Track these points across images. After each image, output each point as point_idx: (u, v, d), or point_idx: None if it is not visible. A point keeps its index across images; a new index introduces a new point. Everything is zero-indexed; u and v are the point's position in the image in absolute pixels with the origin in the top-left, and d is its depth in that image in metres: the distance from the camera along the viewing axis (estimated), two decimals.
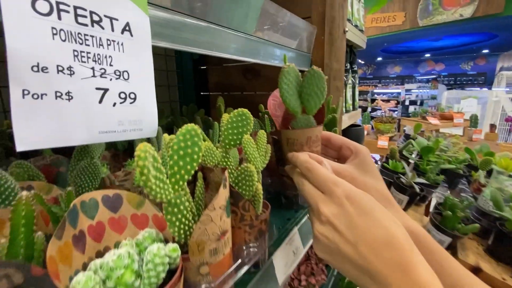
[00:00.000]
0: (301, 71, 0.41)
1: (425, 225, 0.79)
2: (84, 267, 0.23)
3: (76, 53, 0.28)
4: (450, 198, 0.73)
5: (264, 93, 1.05)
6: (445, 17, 4.70)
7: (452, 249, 0.70)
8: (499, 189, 0.73)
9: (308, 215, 0.38)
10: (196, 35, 0.41)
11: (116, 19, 0.31)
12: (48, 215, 0.31)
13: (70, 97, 0.28)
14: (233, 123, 0.35)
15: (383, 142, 2.65)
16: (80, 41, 0.28)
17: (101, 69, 0.30)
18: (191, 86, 1.27)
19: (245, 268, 0.35)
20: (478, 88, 7.56)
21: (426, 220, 0.83)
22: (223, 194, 0.26)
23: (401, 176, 0.93)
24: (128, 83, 0.33)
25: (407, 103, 7.79)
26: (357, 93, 1.38)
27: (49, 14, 0.26)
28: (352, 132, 1.28)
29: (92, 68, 0.29)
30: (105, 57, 0.30)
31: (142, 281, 0.21)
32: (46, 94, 0.26)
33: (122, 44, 0.32)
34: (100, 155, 0.46)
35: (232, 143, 0.35)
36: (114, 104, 0.32)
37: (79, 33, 0.28)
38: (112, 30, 0.31)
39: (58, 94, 0.27)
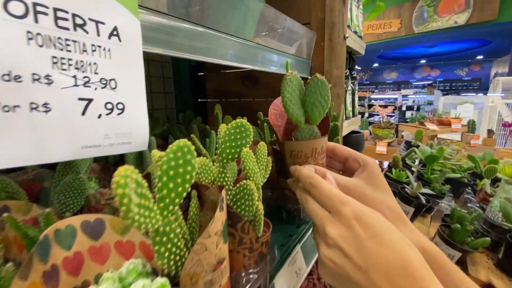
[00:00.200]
0: (302, 79, 0.39)
1: (431, 237, 0.76)
2: None
3: (55, 60, 0.25)
4: (458, 210, 0.70)
5: (263, 100, 1.02)
6: (440, 24, 4.77)
7: (462, 263, 0.67)
8: (508, 199, 0.71)
9: (312, 234, 0.35)
10: (192, 40, 0.38)
11: (103, 23, 0.28)
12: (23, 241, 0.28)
13: (48, 109, 0.25)
14: (231, 135, 0.32)
15: (381, 147, 2.65)
16: (61, 47, 0.25)
17: (84, 77, 0.27)
18: (189, 92, 1.24)
19: None
20: (474, 94, 7.64)
21: (432, 232, 0.80)
22: (220, 218, 0.23)
23: (406, 186, 0.90)
24: (115, 93, 0.30)
25: (404, 108, 7.83)
26: (356, 99, 1.37)
27: (24, 16, 0.23)
28: (353, 139, 1.26)
29: (74, 77, 0.26)
30: (89, 64, 0.27)
31: None
32: (19, 106, 0.23)
33: (109, 50, 0.29)
34: (87, 169, 0.43)
35: (230, 157, 0.32)
36: (99, 116, 0.29)
37: (59, 38, 0.25)
38: (98, 34, 0.28)
39: (34, 106, 0.24)
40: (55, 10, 0.25)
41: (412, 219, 0.86)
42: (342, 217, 0.29)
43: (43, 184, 0.44)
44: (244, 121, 0.32)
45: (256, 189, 0.31)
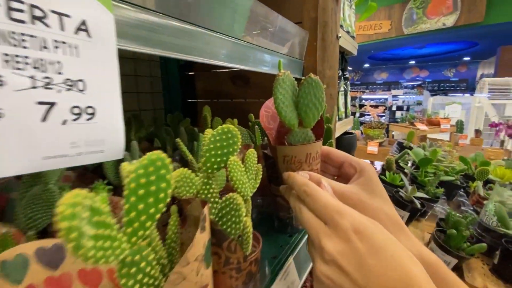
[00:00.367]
0: (295, 79, 0.36)
1: (426, 242, 0.75)
2: None
3: (7, 58, 0.21)
4: (453, 214, 0.69)
5: (254, 100, 1.00)
6: (429, 26, 4.86)
7: (457, 270, 0.65)
8: (502, 203, 0.70)
9: (306, 246, 0.33)
10: (174, 37, 0.35)
11: (68, 16, 0.25)
12: None
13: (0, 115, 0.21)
14: (217, 142, 0.29)
15: (372, 147, 2.67)
16: (15, 43, 0.22)
17: (44, 78, 0.23)
18: (177, 92, 1.20)
19: None
20: (461, 94, 7.83)
21: (427, 237, 0.79)
22: (201, 241, 0.20)
23: (400, 190, 0.89)
24: (84, 95, 0.26)
25: (394, 108, 7.97)
26: (349, 100, 1.36)
27: None
28: (345, 140, 1.24)
29: (32, 77, 0.23)
30: (51, 63, 0.24)
31: None
32: None
33: (76, 47, 0.26)
34: (58, 177, 0.39)
35: (215, 166, 0.29)
36: (64, 122, 0.25)
37: (12, 32, 0.22)
38: (62, 29, 0.24)
39: None
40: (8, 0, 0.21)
41: (406, 223, 0.84)
42: (340, 230, 0.27)
43: (10, 195, 0.40)
44: (232, 126, 0.29)
45: (245, 201, 0.28)
